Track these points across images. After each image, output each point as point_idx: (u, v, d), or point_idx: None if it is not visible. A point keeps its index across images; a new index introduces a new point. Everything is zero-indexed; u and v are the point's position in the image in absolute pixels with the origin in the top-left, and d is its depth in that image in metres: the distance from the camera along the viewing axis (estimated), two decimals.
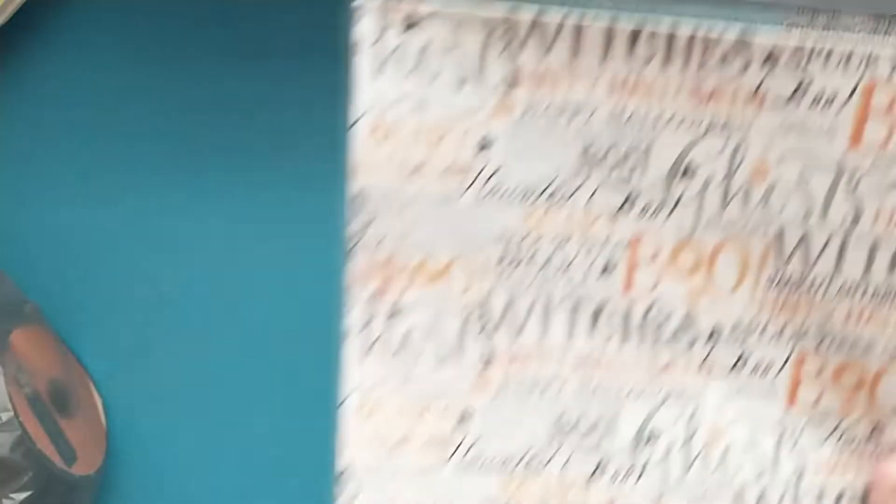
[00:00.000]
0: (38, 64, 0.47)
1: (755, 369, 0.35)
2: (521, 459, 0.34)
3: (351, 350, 0.34)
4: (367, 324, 0.34)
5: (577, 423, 0.34)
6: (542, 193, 0.33)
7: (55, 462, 0.44)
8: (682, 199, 0.33)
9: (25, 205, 0.47)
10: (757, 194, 0.33)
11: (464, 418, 0.34)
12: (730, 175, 0.33)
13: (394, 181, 0.32)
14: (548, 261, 0.33)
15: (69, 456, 0.45)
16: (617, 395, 0.34)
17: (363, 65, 0.31)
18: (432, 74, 0.31)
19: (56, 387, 0.46)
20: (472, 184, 0.32)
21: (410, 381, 0.34)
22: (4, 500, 0.43)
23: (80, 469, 0.45)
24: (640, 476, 0.35)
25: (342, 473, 0.34)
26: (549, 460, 0.35)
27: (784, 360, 0.34)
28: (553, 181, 0.33)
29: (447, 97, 0.32)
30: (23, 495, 0.43)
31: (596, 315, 0.34)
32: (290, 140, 0.47)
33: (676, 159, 0.33)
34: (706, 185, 0.33)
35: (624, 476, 0.35)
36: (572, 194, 0.33)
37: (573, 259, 0.33)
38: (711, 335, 0.34)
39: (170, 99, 0.47)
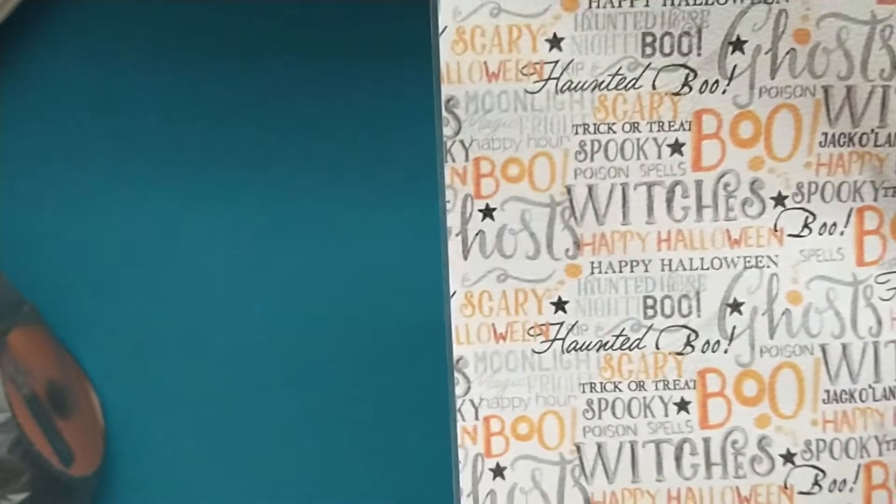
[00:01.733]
0: (39, 63, 0.47)
1: None
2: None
3: None
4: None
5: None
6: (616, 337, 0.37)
7: (53, 463, 0.44)
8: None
9: (23, 204, 0.47)
10: (797, 315, 0.37)
11: None
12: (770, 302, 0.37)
13: (486, 344, 0.37)
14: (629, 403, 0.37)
15: (67, 457, 0.45)
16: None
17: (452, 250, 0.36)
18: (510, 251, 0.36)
19: (54, 387, 0.46)
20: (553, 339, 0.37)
21: None
22: (2, 502, 0.42)
23: (78, 470, 0.45)
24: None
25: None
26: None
27: None
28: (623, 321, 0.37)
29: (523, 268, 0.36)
30: (20, 496, 0.43)
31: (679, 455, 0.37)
32: (290, 141, 0.47)
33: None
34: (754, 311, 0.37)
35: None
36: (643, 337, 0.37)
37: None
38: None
39: (170, 98, 0.47)
